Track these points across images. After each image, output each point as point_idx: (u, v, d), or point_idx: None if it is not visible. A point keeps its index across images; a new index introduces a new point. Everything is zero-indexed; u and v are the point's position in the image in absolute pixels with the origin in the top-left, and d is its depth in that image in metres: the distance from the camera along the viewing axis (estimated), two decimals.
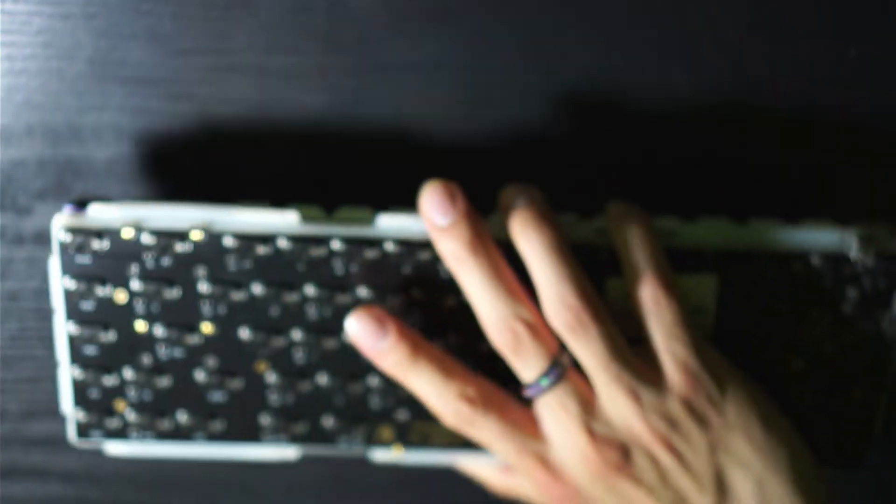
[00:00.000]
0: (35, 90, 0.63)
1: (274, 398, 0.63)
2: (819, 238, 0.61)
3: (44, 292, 0.66)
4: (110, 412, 0.63)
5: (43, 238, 0.66)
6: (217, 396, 0.63)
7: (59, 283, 0.60)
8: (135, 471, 0.73)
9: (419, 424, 0.64)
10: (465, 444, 0.64)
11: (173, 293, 0.60)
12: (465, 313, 0.61)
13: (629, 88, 0.64)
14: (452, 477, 0.70)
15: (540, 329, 0.59)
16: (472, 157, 0.65)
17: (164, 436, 0.64)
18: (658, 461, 0.59)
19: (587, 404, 0.59)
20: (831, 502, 0.60)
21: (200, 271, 0.60)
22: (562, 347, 0.59)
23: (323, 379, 0.63)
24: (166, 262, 0.59)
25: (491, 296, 0.58)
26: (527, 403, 0.60)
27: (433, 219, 0.58)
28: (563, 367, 0.59)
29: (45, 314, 0.67)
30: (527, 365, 0.59)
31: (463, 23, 0.63)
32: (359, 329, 0.59)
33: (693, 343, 0.59)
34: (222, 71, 0.63)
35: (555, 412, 0.59)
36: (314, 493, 0.76)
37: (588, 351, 0.58)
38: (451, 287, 0.60)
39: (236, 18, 0.62)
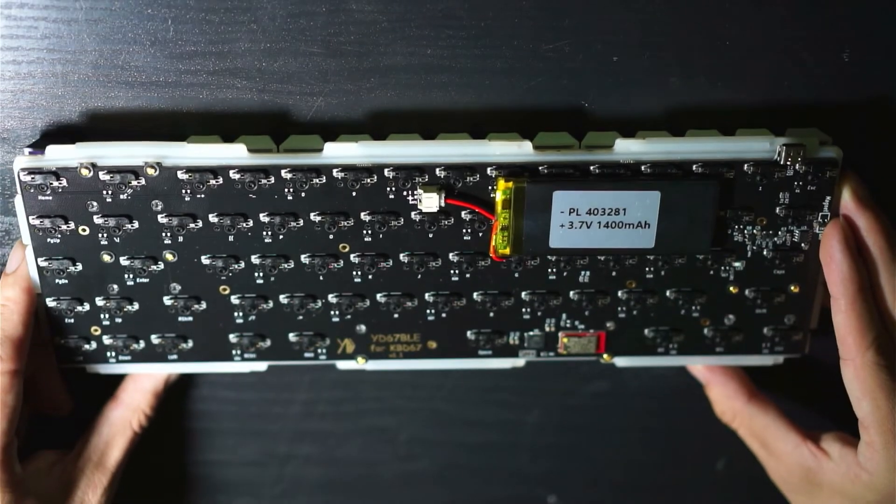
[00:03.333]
0: (40, 94, 0.64)
1: (239, 318, 0.67)
2: (752, 146, 0.62)
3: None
4: (87, 338, 0.67)
5: None
6: (185, 319, 0.66)
7: (25, 221, 0.63)
8: None
9: (378, 337, 0.68)
10: (423, 353, 0.69)
11: (134, 226, 0.63)
12: (411, 235, 0.64)
13: (628, 89, 0.65)
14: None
15: None
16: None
17: (139, 358, 0.68)
18: None
19: None
20: None
21: (157, 204, 0.62)
22: None
23: (283, 299, 0.66)
24: (124, 197, 0.62)
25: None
26: None
27: None
28: None
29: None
30: None
31: (462, 27, 0.63)
32: None
33: None
34: (224, 74, 0.64)
35: None
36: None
37: None
38: (397, 210, 0.63)
39: (237, 22, 0.63)
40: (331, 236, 0.64)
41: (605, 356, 0.69)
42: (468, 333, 0.68)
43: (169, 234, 0.64)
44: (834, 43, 0.65)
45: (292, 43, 0.64)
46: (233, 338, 0.67)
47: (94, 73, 0.64)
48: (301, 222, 0.63)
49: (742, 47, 0.64)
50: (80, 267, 0.64)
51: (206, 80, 0.64)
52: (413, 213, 0.63)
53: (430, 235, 0.64)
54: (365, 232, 0.64)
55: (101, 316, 0.66)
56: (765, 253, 0.66)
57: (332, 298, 0.66)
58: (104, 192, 0.62)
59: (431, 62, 0.64)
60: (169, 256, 0.64)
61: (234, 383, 0.76)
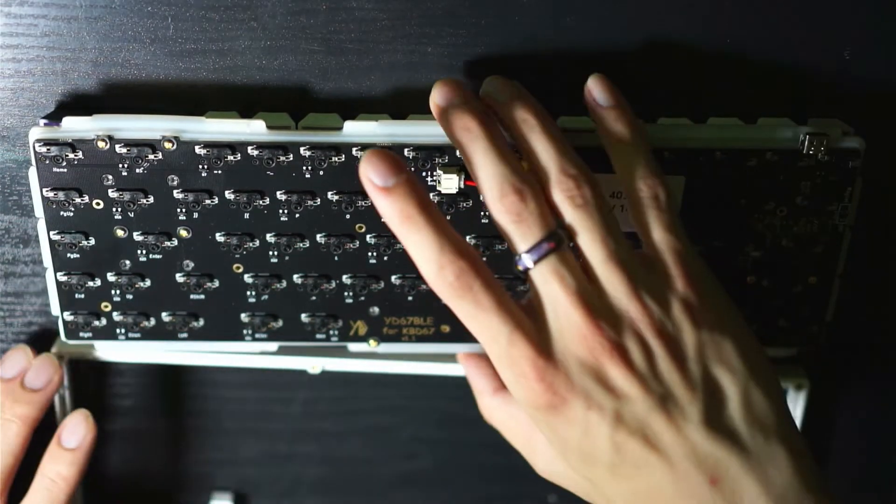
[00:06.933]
0: (40, 92, 0.64)
1: (251, 297, 0.66)
2: (774, 135, 0.62)
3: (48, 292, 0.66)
4: (96, 314, 0.66)
5: None
6: (197, 297, 0.66)
7: (38, 194, 0.62)
8: None
9: (391, 319, 0.67)
10: (435, 337, 0.68)
11: (149, 201, 0.62)
12: None
13: (636, 84, 0.64)
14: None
15: (541, 196, 0.55)
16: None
17: (149, 335, 0.67)
18: (649, 348, 0.54)
19: (583, 278, 0.55)
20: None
21: (173, 180, 0.62)
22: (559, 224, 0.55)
23: (297, 278, 0.65)
24: (140, 171, 0.61)
25: (493, 161, 0.55)
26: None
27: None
28: (560, 237, 0.54)
29: (49, 313, 0.68)
30: (526, 232, 0.54)
31: (463, 25, 0.63)
32: (374, 160, 0.54)
33: (688, 240, 0.57)
34: (224, 72, 0.64)
35: (550, 281, 0.54)
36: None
37: (588, 223, 0.55)
38: None
39: (237, 20, 0.62)
40: (347, 216, 0.64)
41: None
42: None
43: (184, 210, 0.63)
44: (859, 36, 0.65)
45: (292, 41, 0.63)
46: (244, 317, 0.67)
47: (93, 70, 0.64)
48: (318, 201, 0.63)
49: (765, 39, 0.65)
50: (92, 241, 0.64)
51: (206, 77, 0.64)
52: (432, 195, 0.63)
53: (448, 217, 0.63)
54: None
55: (113, 292, 0.65)
56: (783, 243, 0.65)
57: (346, 279, 0.66)
58: (120, 165, 0.61)
59: (432, 60, 0.64)
60: (183, 233, 0.64)
61: (235, 382, 0.75)
